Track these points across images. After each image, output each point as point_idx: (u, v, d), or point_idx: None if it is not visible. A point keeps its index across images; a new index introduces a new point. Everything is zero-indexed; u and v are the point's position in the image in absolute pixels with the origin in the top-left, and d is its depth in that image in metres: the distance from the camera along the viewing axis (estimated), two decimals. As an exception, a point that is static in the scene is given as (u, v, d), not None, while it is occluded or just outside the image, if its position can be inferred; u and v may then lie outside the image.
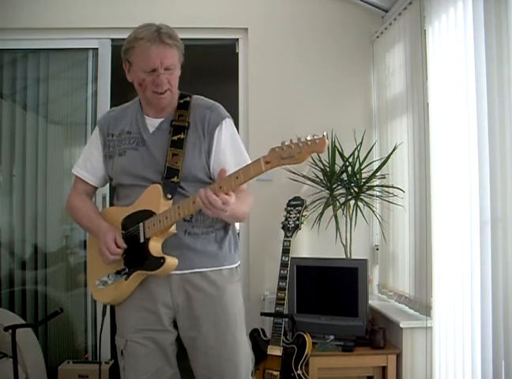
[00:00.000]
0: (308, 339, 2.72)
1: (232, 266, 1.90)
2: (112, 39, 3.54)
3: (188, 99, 1.89)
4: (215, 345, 1.81)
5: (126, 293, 1.83)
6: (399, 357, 2.83)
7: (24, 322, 2.95)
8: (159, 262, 1.73)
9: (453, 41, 2.51)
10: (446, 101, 2.59)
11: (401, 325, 2.78)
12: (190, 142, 1.81)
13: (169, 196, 1.75)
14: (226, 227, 1.89)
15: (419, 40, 2.84)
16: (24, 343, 2.68)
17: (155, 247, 1.75)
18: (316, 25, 3.55)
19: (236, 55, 3.59)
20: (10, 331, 2.36)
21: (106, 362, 3.26)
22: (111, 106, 3.48)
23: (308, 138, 1.46)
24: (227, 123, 1.87)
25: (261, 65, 3.51)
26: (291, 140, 1.50)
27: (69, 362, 3.25)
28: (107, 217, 1.89)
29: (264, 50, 3.52)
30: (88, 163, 1.96)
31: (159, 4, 3.48)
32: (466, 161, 2.37)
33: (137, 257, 1.78)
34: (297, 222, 2.92)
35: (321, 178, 3.25)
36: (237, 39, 3.58)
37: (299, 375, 2.68)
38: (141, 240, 1.76)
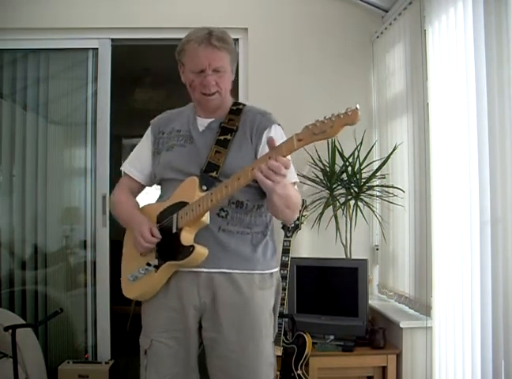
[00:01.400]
0: (308, 339, 2.72)
1: (265, 272, 1.85)
2: (112, 39, 3.53)
3: (241, 106, 1.92)
4: (236, 350, 1.78)
5: (156, 287, 1.81)
6: (399, 357, 2.83)
7: (24, 322, 2.95)
8: (188, 251, 1.71)
9: (453, 41, 2.51)
10: (446, 101, 2.60)
11: (401, 325, 2.79)
12: (236, 143, 1.82)
13: (204, 188, 1.74)
14: (264, 230, 1.87)
15: (419, 40, 2.84)
16: (24, 343, 2.68)
17: (186, 237, 1.73)
18: (316, 25, 3.55)
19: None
20: (10, 331, 2.36)
21: (106, 362, 3.26)
22: (111, 107, 3.54)
23: (341, 112, 1.49)
24: (277, 128, 1.87)
25: (261, 65, 3.51)
26: (324, 117, 1.51)
27: (69, 362, 3.24)
28: (144, 213, 1.89)
29: (264, 50, 3.52)
30: (136, 160, 1.99)
31: (159, 4, 3.48)
32: (466, 161, 2.37)
33: (168, 249, 1.78)
34: (297, 222, 2.92)
35: (321, 178, 3.25)
36: (237, 39, 3.58)
37: (299, 375, 2.68)
38: (174, 230, 1.76)
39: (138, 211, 1.91)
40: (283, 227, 2.96)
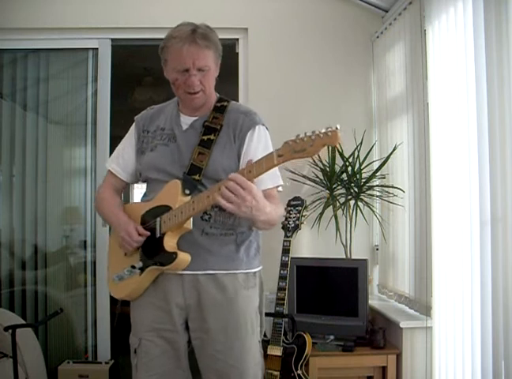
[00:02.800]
0: (308, 339, 2.72)
1: (249, 271, 1.86)
2: (112, 39, 3.54)
3: (225, 103, 1.90)
4: (222, 349, 1.79)
5: (140, 289, 1.83)
6: (399, 357, 2.83)
7: (24, 322, 2.95)
8: (171, 257, 1.72)
9: (453, 41, 2.51)
10: (445, 101, 2.59)
11: (401, 325, 2.78)
12: (220, 144, 1.81)
13: (187, 192, 1.75)
14: (248, 230, 1.87)
15: (419, 40, 2.84)
16: (24, 343, 2.68)
17: (169, 242, 1.74)
18: (316, 25, 3.54)
19: (236, 55, 3.59)
20: (10, 331, 2.36)
21: (106, 362, 3.26)
22: (111, 107, 3.53)
23: (321, 131, 1.44)
24: (260, 129, 1.86)
25: (261, 65, 3.51)
26: (305, 133, 1.48)
27: (69, 362, 3.24)
28: (127, 212, 1.89)
29: (264, 50, 3.52)
30: (120, 157, 1.98)
31: (159, 4, 3.48)
32: (466, 161, 2.37)
33: (152, 252, 1.78)
34: (297, 222, 2.92)
35: (321, 178, 3.25)
36: (237, 39, 3.58)
37: (299, 375, 2.67)
38: (157, 234, 1.76)
39: (122, 211, 1.91)
40: (283, 227, 2.95)
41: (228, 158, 1.81)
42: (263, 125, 1.88)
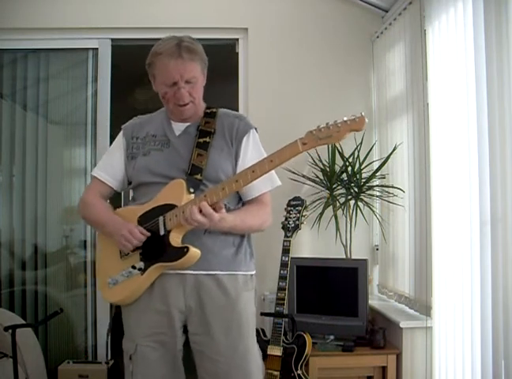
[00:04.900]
0: (308, 339, 2.72)
1: (247, 273, 1.89)
2: (112, 39, 3.54)
3: (214, 110, 1.94)
4: (225, 353, 1.79)
5: (140, 290, 1.81)
6: (399, 357, 2.83)
7: (24, 322, 2.95)
8: (182, 252, 1.72)
9: (453, 41, 2.51)
10: (445, 101, 2.59)
11: (401, 325, 2.78)
12: (216, 147, 1.85)
13: (192, 190, 1.77)
14: (242, 234, 1.90)
15: (419, 40, 2.84)
16: (24, 343, 2.68)
17: (176, 238, 1.75)
18: (316, 25, 3.54)
19: (236, 55, 3.59)
20: (10, 331, 2.36)
21: (106, 362, 3.26)
22: (111, 107, 3.54)
23: (347, 118, 1.53)
24: (254, 133, 1.92)
25: (261, 65, 3.51)
26: (327, 123, 1.55)
27: (69, 362, 3.24)
28: (121, 217, 1.88)
29: (264, 50, 3.52)
30: (108, 165, 1.98)
31: (159, 4, 3.48)
32: (466, 161, 2.37)
33: (155, 250, 1.78)
34: (297, 222, 2.92)
35: (321, 178, 3.25)
36: (237, 39, 3.58)
37: (299, 375, 2.67)
38: (162, 232, 1.76)
39: (115, 214, 1.90)
40: (283, 227, 2.95)
41: (226, 160, 1.85)
42: (255, 128, 1.94)
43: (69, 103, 3.69)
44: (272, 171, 1.82)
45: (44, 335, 3.48)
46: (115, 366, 3.28)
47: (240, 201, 1.92)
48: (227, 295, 1.81)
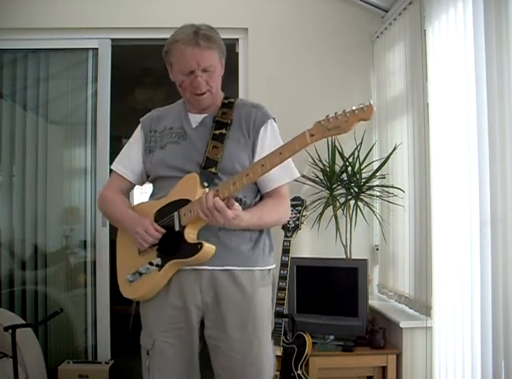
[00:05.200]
0: (308, 339, 2.72)
1: (265, 268, 1.86)
2: (112, 39, 3.54)
3: (232, 100, 1.92)
4: (240, 348, 1.78)
5: (159, 286, 1.80)
6: (399, 357, 2.83)
7: (24, 322, 2.95)
8: (196, 248, 1.70)
9: (453, 41, 2.51)
10: (445, 101, 2.59)
11: (401, 325, 2.78)
12: (233, 138, 1.82)
13: (206, 184, 1.74)
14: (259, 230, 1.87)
15: (419, 40, 2.84)
16: (24, 343, 2.68)
17: (191, 234, 1.73)
18: (316, 25, 3.55)
19: (236, 55, 3.59)
20: (10, 331, 2.36)
21: (106, 362, 3.26)
22: (111, 107, 3.54)
23: (355, 107, 1.51)
24: (273, 123, 1.88)
25: (261, 65, 3.51)
26: (335, 113, 1.53)
27: (69, 362, 3.24)
28: (138, 212, 1.87)
29: (264, 50, 3.52)
30: (126, 158, 1.97)
31: (159, 4, 3.48)
32: (466, 161, 2.37)
33: (171, 247, 1.76)
34: (297, 222, 2.92)
35: (321, 178, 3.25)
36: (237, 39, 3.58)
37: (299, 375, 2.68)
38: (177, 228, 1.74)
39: (133, 211, 1.90)
40: (283, 227, 2.95)
41: (243, 151, 1.82)
42: (274, 118, 1.90)
43: (69, 103, 3.69)
44: (291, 162, 1.80)
45: (44, 335, 3.47)
46: (115, 366, 3.28)
47: (258, 194, 1.88)
48: (243, 291, 1.79)
